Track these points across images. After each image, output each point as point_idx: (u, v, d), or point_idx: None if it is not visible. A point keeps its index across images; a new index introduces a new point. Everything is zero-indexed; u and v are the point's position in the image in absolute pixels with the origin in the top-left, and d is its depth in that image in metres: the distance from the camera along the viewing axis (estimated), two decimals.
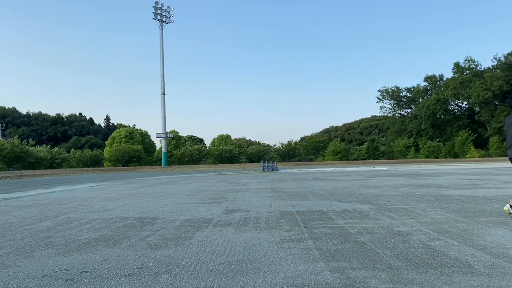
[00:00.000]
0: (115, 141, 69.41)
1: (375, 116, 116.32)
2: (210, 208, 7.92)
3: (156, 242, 4.66)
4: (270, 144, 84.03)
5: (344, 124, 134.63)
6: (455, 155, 69.33)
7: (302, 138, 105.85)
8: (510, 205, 5.85)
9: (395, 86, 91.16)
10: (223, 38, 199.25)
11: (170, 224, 6.04)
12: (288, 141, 76.24)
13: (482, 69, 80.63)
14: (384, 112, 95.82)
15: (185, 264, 3.63)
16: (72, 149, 76.72)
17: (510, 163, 6.16)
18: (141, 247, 4.45)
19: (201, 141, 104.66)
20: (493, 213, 6.24)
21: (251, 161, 67.12)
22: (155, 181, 20.26)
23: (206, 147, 77.52)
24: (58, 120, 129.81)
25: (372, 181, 14.91)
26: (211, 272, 3.35)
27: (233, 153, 69.12)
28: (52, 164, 59.93)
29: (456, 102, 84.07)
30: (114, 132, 74.58)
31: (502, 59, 78.83)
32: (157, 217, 6.78)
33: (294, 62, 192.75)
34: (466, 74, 78.90)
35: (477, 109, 77.58)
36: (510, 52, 77.71)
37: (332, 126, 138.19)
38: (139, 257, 3.97)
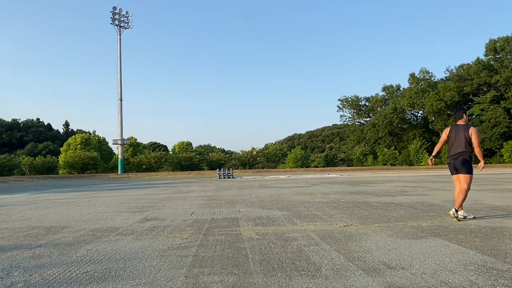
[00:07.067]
0: (70, 147, 67.35)
1: (336, 124, 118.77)
2: (129, 216, 7.92)
3: (42, 252, 4.65)
4: (235, 151, 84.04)
5: (307, 132, 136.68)
6: (410, 163, 71.70)
7: (266, 145, 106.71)
8: (455, 210, 6.29)
9: (354, 95, 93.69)
10: (188, 43, 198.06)
11: (75, 233, 6.02)
12: (252, 148, 76.61)
13: (436, 80, 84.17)
14: (344, 121, 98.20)
15: (50, 273, 3.66)
16: (23, 156, 73.82)
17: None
18: (23, 256, 4.44)
19: (164, 148, 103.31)
20: (391, 219, 6.60)
21: (212, 169, 66.77)
22: (100, 189, 19.91)
23: (169, 154, 76.58)
24: (14, 125, 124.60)
25: (311, 189, 15.29)
26: (68, 280, 3.41)
27: (193, 160, 68.58)
28: (1, 171, 57.41)
29: (412, 112, 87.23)
30: (70, 138, 72.28)
31: (454, 71, 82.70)
32: (67, 226, 6.73)
33: (261, 71, 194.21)
34: (421, 85, 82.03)
35: (432, 118, 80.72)
36: (461, 64, 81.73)
37: (295, 133, 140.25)
38: (11, 266, 3.97)
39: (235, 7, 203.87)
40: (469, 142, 6.34)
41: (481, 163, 6.56)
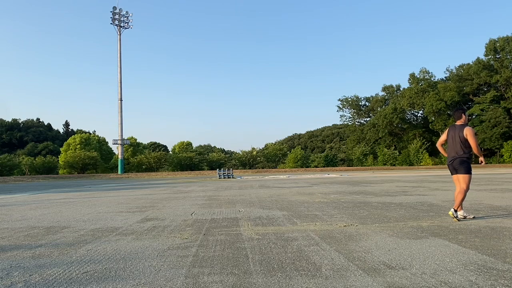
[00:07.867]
0: (70, 147, 67.36)
1: (336, 124, 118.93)
2: (129, 216, 7.93)
3: (42, 252, 4.65)
4: (235, 151, 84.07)
5: (307, 132, 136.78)
6: (410, 163, 71.69)
7: (266, 145, 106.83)
8: (454, 210, 6.32)
9: (354, 95, 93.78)
10: (188, 43, 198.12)
11: (75, 233, 6.02)
12: (252, 148, 76.72)
13: (436, 80, 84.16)
14: (344, 121, 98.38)
15: (50, 273, 3.66)
16: (23, 156, 73.83)
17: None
18: (23, 256, 4.44)
19: (164, 148, 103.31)
20: (391, 219, 6.60)
21: (212, 169, 66.81)
22: (100, 189, 19.91)
23: (169, 154, 76.66)
24: (14, 125, 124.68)
25: (311, 189, 15.29)
26: (68, 280, 3.41)
27: (193, 160, 68.59)
28: (1, 171, 57.41)
29: (412, 112, 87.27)
30: (70, 138, 72.29)
31: (454, 71, 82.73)
32: (67, 226, 6.73)
33: (261, 71, 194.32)
34: (421, 85, 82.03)
35: (432, 118, 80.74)
36: (461, 64, 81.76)
37: (295, 133, 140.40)
38: (11, 266, 3.97)
39: (235, 7, 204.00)
40: (464, 142, 6.34)
41: (481, 159, 6.62)
